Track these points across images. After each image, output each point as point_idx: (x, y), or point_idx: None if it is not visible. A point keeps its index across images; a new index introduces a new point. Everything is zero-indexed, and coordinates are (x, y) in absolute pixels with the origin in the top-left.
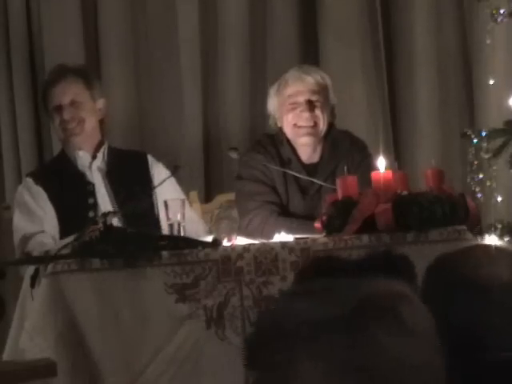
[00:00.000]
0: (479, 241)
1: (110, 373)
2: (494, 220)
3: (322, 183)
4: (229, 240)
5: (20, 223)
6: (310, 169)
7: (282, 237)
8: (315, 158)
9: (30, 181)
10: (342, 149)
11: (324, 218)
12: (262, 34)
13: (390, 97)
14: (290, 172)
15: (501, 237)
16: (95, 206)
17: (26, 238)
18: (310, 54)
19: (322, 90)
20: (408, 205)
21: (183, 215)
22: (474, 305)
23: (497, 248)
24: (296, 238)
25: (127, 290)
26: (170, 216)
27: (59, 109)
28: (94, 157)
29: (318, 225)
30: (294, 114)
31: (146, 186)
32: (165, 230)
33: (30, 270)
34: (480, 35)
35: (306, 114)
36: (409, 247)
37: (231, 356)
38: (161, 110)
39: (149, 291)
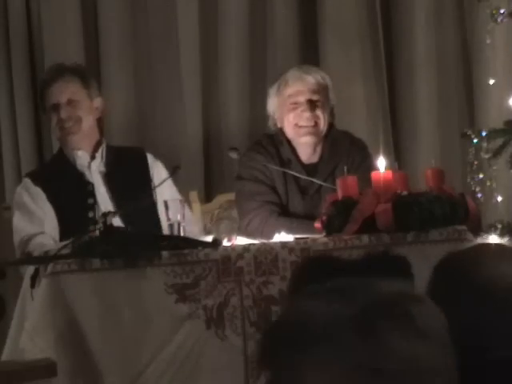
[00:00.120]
0: (480, 241)
1: (110, 373)
2: (494, 220)
3: (322, 183)
4: (229, 240)
5: (20, 224)
6: (310, 169)
7: (282, 237)
8: (315, 158)
9: (28, 181)
10: (342, 149)
11: (324, 217)
12: (262, 33)
13: (390, 97)
14: (290, 172)
15: (501, 237)
16: (95, 206)
17: (26, 240)
18: (309, 54)
19: (323, 89)
20: (408, 205)
21: (183, 215)
22: (481, 304)
23: (504, 247)
24: (296, 238)
25: (127, 290)
26: (170, 216)
27: (56, 108)
28: (92, 157)
29: (318, 225)
30: (294, 113)
31: (146, 184)
32: (165, 229)
33: (29, 270)
34: (480, 35)
35: (307, 114)
36: (409, 247)
37: (231, 356)
38: (161, 110)
39: (149, 291)
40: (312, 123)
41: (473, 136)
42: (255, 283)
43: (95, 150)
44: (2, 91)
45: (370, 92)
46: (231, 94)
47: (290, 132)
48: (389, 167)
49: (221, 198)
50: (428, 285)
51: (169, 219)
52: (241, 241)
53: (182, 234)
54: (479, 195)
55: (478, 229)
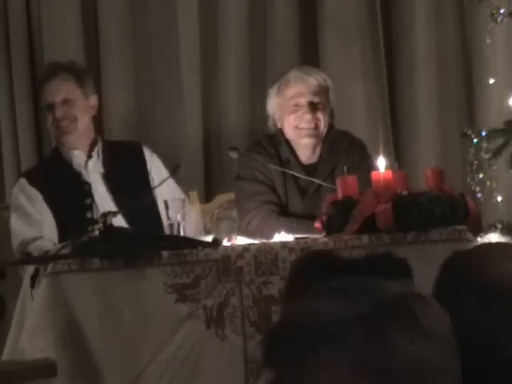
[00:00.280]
0: (482, 240)
1: (110, 373)
2: (494, 220)
3: (322, 183)
4: (229, 240)
5: (18, 227)
6: (309, 169)
7: (282, 237)
8: (314, 159)
9: (24, 182)
10: (341, 149)
11: (324, 217)
12: (262, 32)
13: (389, 96)
14: (290, 172)
15: (501, 237)
16: (93, 206)
17: (25, 243)
18: (309, 53)
19: (324, 91)
20: (408, 205)
21: (183, 215)
22: (487, 304)
23: (509, 247)
24: (296, 238)
25: (127, 290)
26: (170, 216)
27: (51, 107)
28: (89, 156)
29: (317, 225)
30: (295, 115)
31: (145, 180)
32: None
33: (29, 270)
34: (480, 35)
35: (308, 116)
36: (409, 247)
37: (231, 356)
38: (161, 110)
39: (149, 291)
40: (312, 125)
41: (473, 136)
42: (255, 283)
43: (91, 148)
44: (2, 91)
45: (370, 91)
46: (231, 93)
47: (290, 133)
48: (389, 167)
49: (221, 198)
50: (434, 285)
51: (169, 219)
52: (241, 241)
53: (181, 234)
54: (479, 195)
55: (478, 229)
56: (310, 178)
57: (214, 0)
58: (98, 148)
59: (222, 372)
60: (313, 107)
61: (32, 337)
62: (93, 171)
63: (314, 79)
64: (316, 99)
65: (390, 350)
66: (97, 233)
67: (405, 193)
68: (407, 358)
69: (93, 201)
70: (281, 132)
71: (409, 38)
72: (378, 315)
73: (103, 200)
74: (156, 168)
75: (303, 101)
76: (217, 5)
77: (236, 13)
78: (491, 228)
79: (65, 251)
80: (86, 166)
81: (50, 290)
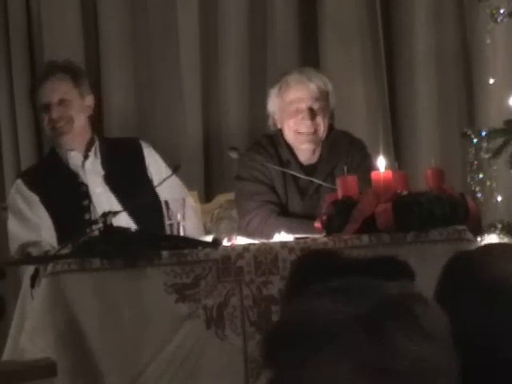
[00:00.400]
0: (481, 241)
1: (110, 372)
2: (494, 220)
3: (322, 183)
4: (229, 240)
5: (16, 231)
6: (309, 170)
7: (282, 236)
8: (314, 159)
9: (21, 184)
10: (341, 149)
11: (324, 217)
12: (262, 32)
13: (389, 96)
14: (290, 172)
15: (501, 237)
16: (90, 207)
17: (24, 248)
18: (309, 53)
19: (324, 95)
20: (408, 205)
21: (183, 215)
22: (489, 304)
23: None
24: (296, 238)
25: (127, 290)
26: (170, 216)
27: (47, 107)
28: (85, 156)
29: (317, 225)
30: (295, 120)
31: (145, 177)
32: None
33: (29, 270)
34: (480, 35)
35: (308, 122)
36: (409, 247)
37: (231, 356)
38: (161, 109)
39: (149, 291)
40: (312, 130)
41: (473, 136)
42: (255, 283)
43: (88, 148)
44: (2, 91)
45: (370, 91)
46: (231, 93)
47: (289, 137)
48: (389, 167)
49: (221, 198)
50: (436, 285)
51: (169, 219)
52: (241, 241)
53: (181, 234)
54: (479, 195)
55: (478, 229)
56: (309, 178)
57: (214, 0)
58: (95, 147)
59: (222, 372)
60: (312, 113)
61: (32, 337)
62: (90, 172)
63: (314, 85)
64: (316, 105)
65: (390, 349)
66: (97, 233)
67: (405, 193)
68: (407, 357)
69: (90, 202)
70: (280, 132)
71: (409, 38)
72: (378, 315)
73: (101, 201)
74: (155, 163)
75: (303, 106)
76: (217, 5)
77: (236, 13)
78: (491, 228)
79: (65, 251)
80: (83, 166)
81: (49, 290)
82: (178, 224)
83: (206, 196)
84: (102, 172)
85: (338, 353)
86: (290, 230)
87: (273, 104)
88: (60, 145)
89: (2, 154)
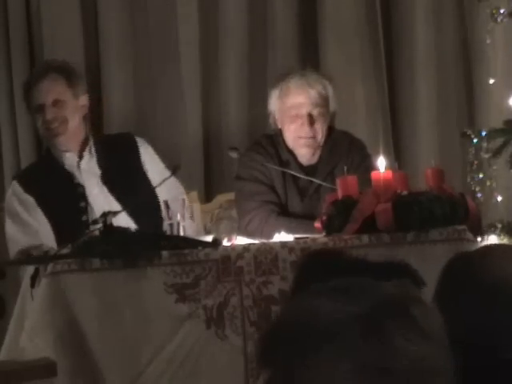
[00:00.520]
0: (482, 241)
1: (110, 372)
2: (494, 220)
3: (321, 182)
4: (229, 240)
5: (14, 235)
6: (309, 170)
7: (282, 236)
8: (314, 160)
9: (17, 187)
10: (341, 149)
11: (324, 217)
12: (262, 34)
13: (389, 96)
14: (290, 172)
15: (501, 237)
16: (87, 208)
17: (24, 252)
18: (309, 53)
19: (324, 101)
20: (408, 204)
21: (183, 215)
22: (490, 304)
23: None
24: (296, 238)
25: (127, 289)
26: (170, 216)
27: (41, 108)
28: (80, 156)
29: (317, 224)
30: (295, 125)
31: (142, 173)
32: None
33: (29, 269)
34: (480, 35)
35: (307, 128)
36: (409, 247)
37: (231, 356)
38: (161, 109)
39: (149, 291)
40: (311, 135)
41: (473, 136)
42: (255, 283)
43: (82, 148)
44: (1, 91)
45: (370, 91)
46: (231, 93)
47: (289, 141)
48: (389, 167)
49: (221, 198)
50: (436, 285)
51: (169, 219)
52: (241, 241)
53: (181, 234)
54: (479, 195)
55: (478, 229)
56: (309, 178)
57: (214, 0)
58: (90, 147)
59: (222, 372)
60: (312, 119)
61: (32, 336)
62: (86, 172)
63: (314, 90)
64: (315, 111)
65: (389, 349)
66: (97, 233)
67: (405, 192)
68: (406, 357)
69: (87, 203)
70: (280, 132)
71: (409, 38)
72: (377, 315)
73: (98, 202)
74: (150, 159)
75: (303, 111)
76: (217, 5)
77: (236, 13)
78: (491, 228)
79: (65, 251)
80: (78, 167)
81: (49, 289)
82: (178, 224)
83: (206, 196)
84: (98, 171)
85: (337, 352)
86: (289, 230)
87: (273, 104)
88: (55, 146)
89: (2, 154)
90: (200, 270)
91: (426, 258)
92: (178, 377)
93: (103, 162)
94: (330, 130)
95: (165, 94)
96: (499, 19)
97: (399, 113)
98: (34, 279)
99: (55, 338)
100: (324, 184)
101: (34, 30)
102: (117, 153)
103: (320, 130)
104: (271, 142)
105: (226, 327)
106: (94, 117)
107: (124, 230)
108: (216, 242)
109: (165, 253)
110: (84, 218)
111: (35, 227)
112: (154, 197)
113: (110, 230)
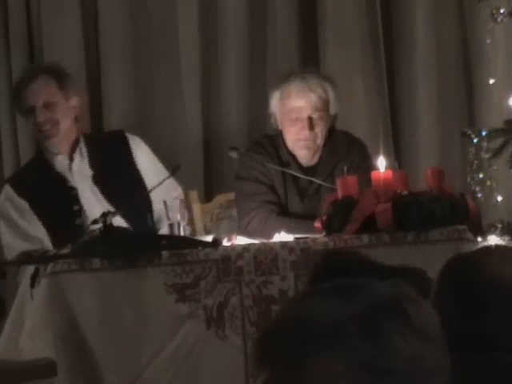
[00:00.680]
0: (480, 240)
1: (109, 372)
2: (494, 220)
3: (321, 182)
4: (229, 240)
5: (10, 241)
6: (309, 171)
7: (282, 236)
8: (314, 161)
9: (11, 191)
10: (341, 149)
11: (324, 217)
12: (262, 34)
13: (389, 96)
14: (290, 172)
15: (501, 237)
16: (81, 211)
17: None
18: (309, 54)
19: (324, 104)
20: (408, 204)
21: (183, 215)
22: (488, 306)
23: (510, 250)
24: (296, 238)
25: (127, 289)
26: (170, 216)
27: (32, 110)
28: (71, 158)
29: (318, 224)
30: (295, 128)
31: (134, 171)
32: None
33: (29, 270)
34: (480, 35)
35: (306, 132)
36: (409, 247)
37: (231, 356)
38: (161, 109)
39: (149, 291)
40: (311, 138)
41: (473, 135)
42: (255, 283)
43: (73, 150)
44: (1, 91)
45: (370, 91)
46: (231, 93)
47: (289, 142)
48: (389, 167)
49: (221, 198)
50: (435, 286)
51: (169, 219)
52: (241, 240)
53: (182, 234)
54: (479, 195)
55: (478, 228)
56: (309, 178)
57: (214, 0)
58: (81, 148)
59: (222, 372)
60: (312, 122)
61: (32, 336)
62: (78, 175)
63: (315, 94)
64: (315, 114)
65: (385, 349)
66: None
67: (405, 193)
68: (403, 357)
69: (80, 206)
70: (281, 133)
71: (409, 38)
72: (373, 315)
73: (91, 205)
74: (143, 154)
75: (303, 115)
76: (217, 5)
77: (236, 13)
78: (491, 228)
79: (65, 251)
80: (70, 169)
81: (49, 290)
82: (179, 224)
83: (206, 196)
84: (89, 173)
85: (334, 352)
86: (289, 230)
87: (274, 106)
88: (47, 148)
89: (2, 154)
90: (200, 269)
91: (426, 258)
92: (178, 377)
93: (94, 162)
94: (331, 131)
95: (165, 94)
96: (499, 19)
97: (399, 113)
98: (33, 279)
99: (55, 338)
100: (324, 184)
101: (33, 30)
102: (108, 151)
103: (320, 133)
104: (271, 143)
105: (225, 327)
106: (94, 117)
107: (124, 230)
108: (216, 242)
109: (165, 253)
110: (78, 221)
111: (30, 233)
112: (147, 195)
113: (109, 230)
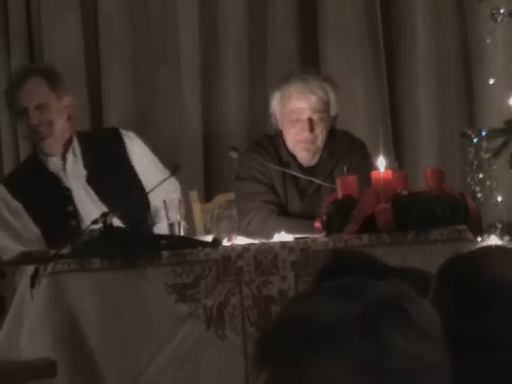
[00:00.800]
0: (480, 240)
1: (110, 372)
2: (494, 220)
3: (321, 182)
4: (229, 240)
5: (5, 243)
6: (309, 171)
7: (282, 236)
8: (314, 161)
9: (5, 192)
10: (341, 149)
11: (324, 217)
12: (262, 34)
13: (390, 96)
14: (290, 172)
15: (501, 237)
16: (76, 213)
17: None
18: (309, 54)
19: (325, 106)
20: (408, 204)
21: (183, 215)
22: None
23: (508, 250)
24: (296, 238)
25: (127, 290)
26: (170, 216)
27: (25, 112)
28: (64, 158)
29: (317, 225)
30: (295, 129)
31: (129, 169)
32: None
33: (29, 269)
34: (480, 35)
35: (307, 133)
36: (409, 247)
37: (231, 356)
38: (161, 109)
39: (149, 291)
40: (310, 140)
41: (473, 136)
42: (255, 283)
43: (66, 150)
44: (1, 91)
45: (370, 91)
46: (231, 93)
47: (289, 143)
48: (389, 167)
49: (221, 198)
50: (433, 286)
51: (169, 219)
52: (241, 241)
53: (182, 234)
54: (479, 195)
55: (479, 228)
56: (310, 178)
57: (214, 0)
58: (73, 147)
59: (222, 372)
60: (312, 124)
61: (32, 336)
62: (72, 175)
63: (315, 96)
64: (315, 116)
65: (386, 348)
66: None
67: (405, 192)
68: (404, 356)
69: (75, 208)
70: (281, 133)
71: (409, 38)
72: (374, 314)
73: (85, 205)
74: (137, 150)
75: (303, 116)
76: (217, 5)
77: (236, 13)
78: (491, 228)
79: (65, 251)
80: (64, 170)
81: (49, 290)
82: (179, 224)
83: (206, 196)
84: (83, 172)
85: (335, 352)
86: (289, 230)
87: (275, 106)
88: (42, 149)
89: (2, 154)
90: (200, 270)
91: (426, 258)
92: (178, 377)
93: (88, 162)
94: (331, 131)
95: (165, 94)
96: (499, 19)
97: (399, 113)
98: (34, 279)
99: (55, 338)
100: (324, 184)
101: (34, 30)
102: (101, 149)
103: (320, 134)
104: (271, 143)
105: (226, 327)
106: (95, 117)
107: (124, 230)
108: (216, 242)
109: (165, 253)
110: (73, 222)
111: (25, 235)
112: (142, 192)
113: (109, 230)
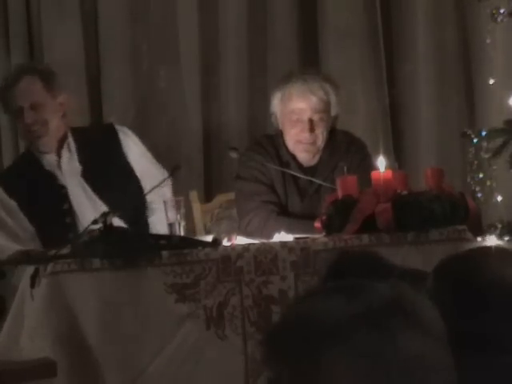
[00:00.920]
0: (479, 240)
1: (110, 372)
2: (494, 220)
3: (321, 182)
4: (229, 240)
5: (2, 244)
6: (309, 171)
7: (282, 236)
8: (314, 161)
9: (1, 192)
10: (341, 149)
11: (324, 217)
12: (262, 34)
13: (389, 97)
14: (290, 172)
15: (501, 237)
16: (71, 210)
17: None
18: (309, 55)
19: (325, 106)
20: (408, 204)
21: (183, 215)
22: (483, 307)
23: (504, 249)
24: (296, 238)
25: (127, 290)
26: (170, 216)
27: (20, 111)
28: (59, 155)
29: (317, 225)
30: (295, 130)
31: (125, 166)
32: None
33: (29, 269)
34: (480, 35)
35: (307, 134)
36: (409, 247)
37: (231, 356)
38: (160, 109)
39: (149, 291)
40: (311, 141)
41: (473, 136)
42: (255, 283)
43: (60, 146)
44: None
45: (370, 91)
46: (231, 93)
47: (289, 144)
48: (389, 167)
49: (221, 198)
50: (428, 286)
51: (168, 219)
52: (241, 240)
53: (182, 234)
54: (479, 195)
55: (478, 228)
56: (309, 178)
57: (214, 0)
58: (68, 143)
59: (222, 372)
60: (312, 124)
61: (32, 336)
62: (67, 172)
63: (316, 97)
64: (316, 116)
65: (390, 347)
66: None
67: (405, 192)
68: (408, 355)
69: (71, 205)
70: (281, 133)
71: (409, 38)
72: (378, 314)
73: (81, 203)
74: (133, 147)
75: (304, 117)
76: (217, 5)
77: (236, 13)
78: (491, 228)
79: (65, 251)
80: (59, 167)
81: (49, 290)
82: (179, 224)
83: (206, 196)
84: (79, 168)
85: (339, 351)
86: (289, 230)
87: (275, 106)
88: (37, 147)
89: (2, 154)
90: (200, 269)
91: (426, 258)
92: (178, 377)
93: (83, 157)
94: (331, 131)
95: (165, 94)
96: (499, 19)
97: (399, 113)
98: (33, 279)
99: (55, 338)
100: (324, 184)
101: (33, 30)
102: (97, 144)
103: (320, 135)
104: (271, 143)
105: (225, 327)
106: (94, 116)
107: (124, 230)
108: (216, 242)
109: (165, 253)
110: (68, 220)
111: (21, 235)
112: (138, 187)
113: (109, 230)
